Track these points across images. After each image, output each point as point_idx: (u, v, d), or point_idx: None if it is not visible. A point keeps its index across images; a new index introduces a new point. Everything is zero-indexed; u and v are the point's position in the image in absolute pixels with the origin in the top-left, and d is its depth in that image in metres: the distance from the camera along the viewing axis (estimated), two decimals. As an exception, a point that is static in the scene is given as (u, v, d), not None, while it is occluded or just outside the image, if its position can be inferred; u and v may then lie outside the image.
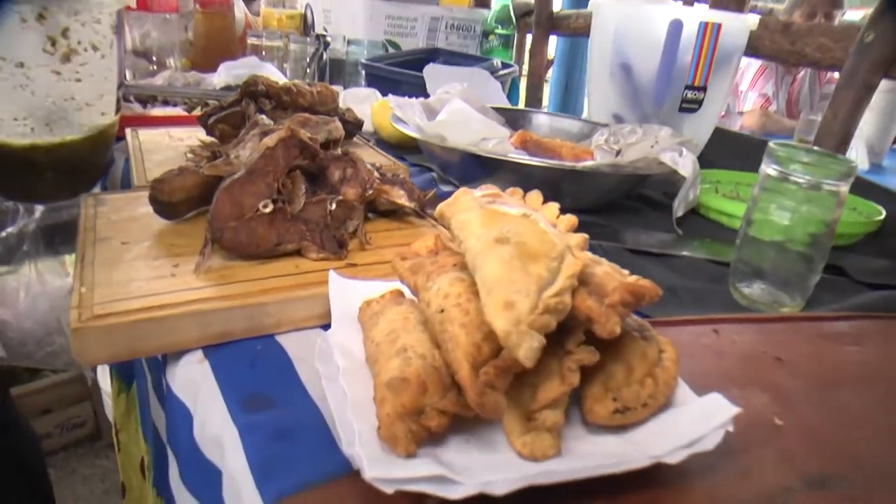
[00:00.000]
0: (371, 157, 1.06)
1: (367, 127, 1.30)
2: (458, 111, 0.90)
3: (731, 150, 1.32)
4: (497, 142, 0.89)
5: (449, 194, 0.96)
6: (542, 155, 0.92)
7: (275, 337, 0.62)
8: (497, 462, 0.44)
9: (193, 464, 0.56)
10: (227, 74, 1.57)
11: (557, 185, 0.90)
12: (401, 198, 0.76)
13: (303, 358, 0.59)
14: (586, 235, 0.48)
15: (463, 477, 0.40)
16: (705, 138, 1.25)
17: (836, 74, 2.60)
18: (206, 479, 0.54)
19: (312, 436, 0.49)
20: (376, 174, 0.77)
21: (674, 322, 0.68)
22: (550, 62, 2.03)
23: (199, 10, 1.72)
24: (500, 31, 1.81)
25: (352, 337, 0.55)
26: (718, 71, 1.16)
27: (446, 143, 0.90)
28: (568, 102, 2.69)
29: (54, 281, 2.14)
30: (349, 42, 1.63)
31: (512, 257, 0.43)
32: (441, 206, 0.52)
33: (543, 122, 1.22)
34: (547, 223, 0.49)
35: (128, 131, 1.13)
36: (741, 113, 3.08)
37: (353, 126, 1.11)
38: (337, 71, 1.65)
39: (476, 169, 0.92)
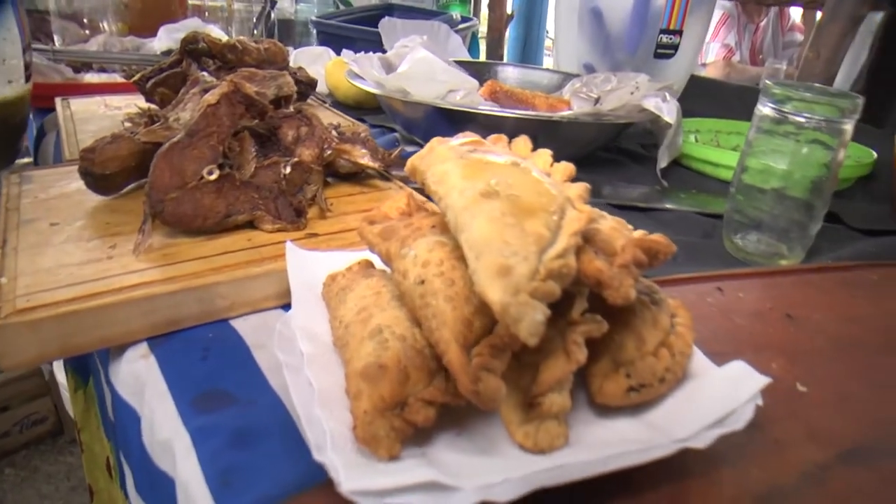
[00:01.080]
0: (327, 118, 0.98)
1: (322, 88, 1.21)
2: (421, 61, 0.82)
3: (707, 97, 1.26)
4: (465, 93, 0.82)
5: (415, 152, 0.90)
6: (515, 106, 0.85)
7: (229, 322, 0.54)
8: (497, 460, 0.37)
9: (145, 472, 0.48)
10: (168, 38, 1.47)
11: (533, 139, 0.83)
12: (363, 157, 0.68)
13: (262, 345, 0.51)
14: (587, 185, 0.41)
15: (459, 481, 0.33)
16: (682, 85, 1.18)
17: (798, 20, 2.55)
18: (159, 489, 0.46)
19: (277, 439, 0.42)
20: (334, 133, 0.69)
21: (674, 281, 0.61)
22: (510, 17, 1.95)
23: (134, -28, 1.62)
24: (456, -18, 1.73)
25: (316, 318, 0.47)
26: (694, 13, 1.09)
27: (410, 97, 0.82)
28: (527, 59, 2.61)
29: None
30: (298, 1, 1.54)
31: (504, 213, 0.36)
32: (412, 160, 0.44)
33: (511, 74, 1.14)
34: (540, 172, 0.41)
35: (58, 101, 1.03)
36: (704, 64, 3.03)
37: (306, 86, 1.02)
38: (286, 31, 1.56)
39: (443, 125, 0.84)
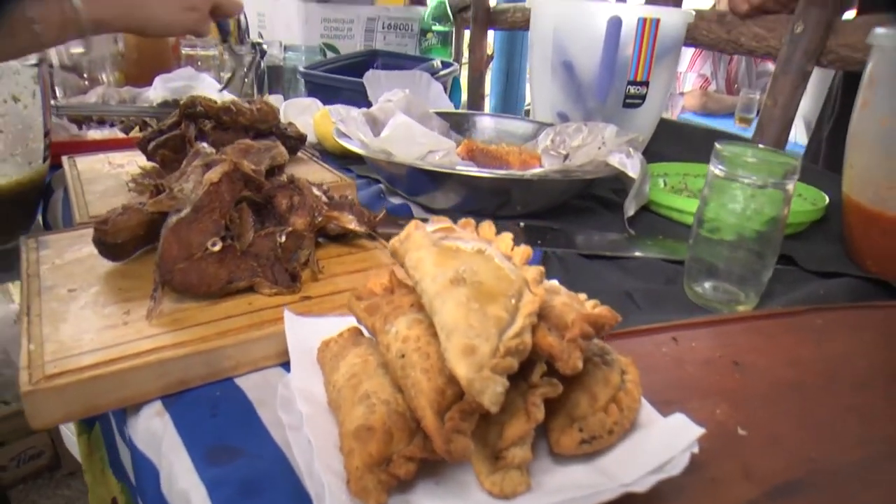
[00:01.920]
0: (316, 172, 1.05)
1: (311, 137, 1.28)
2: (401, 125, 0.89)
3: (675, 140, 1.33)
4: (444, 154, 0.89)
5: (399, 208, 0.97)
6: (490, 164, 0.92)
7: (234, 380, 0.61)
8: (470, 504, 0.44)
9: (164, 519, 0.55)
10: (163, 88, 1.54)
11: (507, 193, 0.90)
12: (350, 223, 0.75)
13: (264, 401, 0.58)
14: (542, 268, 0.48)
15: (437, 523, 0.40)
16: (650, 132, 1.26)
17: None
18: (177, 534, 0.53)
19: (282, 489, 0.48)
20: (324, 198, 0.76)
21: (633, 332, 0.68)
22: (490, 57, 2.03)
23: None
24: (437, 27, 1.80)
25: (313, 380, 0.54)
26: (659, 64, 1.17)
27: (393, 158, 0.89)
28: (510, 91, 2.69)
29: (-1, 309, 2.10)
30: (286, 48, 1.61)
31: (469, 299, 0.43)
32: (393, 243, 0.51)
33: (488, 125, 1.21)
34: (502, 257, 0.48)
35: (64, 160, 1.10)
36: (682, 94, 3.12)
37: (296, 141, 1.09)
38: (275, 78, 1.63)
39: (424, 182, 0.91)
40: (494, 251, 0.48)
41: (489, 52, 2.01)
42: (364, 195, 1.04)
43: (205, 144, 0.81)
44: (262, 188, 0.70)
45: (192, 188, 0.73)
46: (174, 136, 0.98)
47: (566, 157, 0.95)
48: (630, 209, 0.95)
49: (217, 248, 0.65)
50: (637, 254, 0.88)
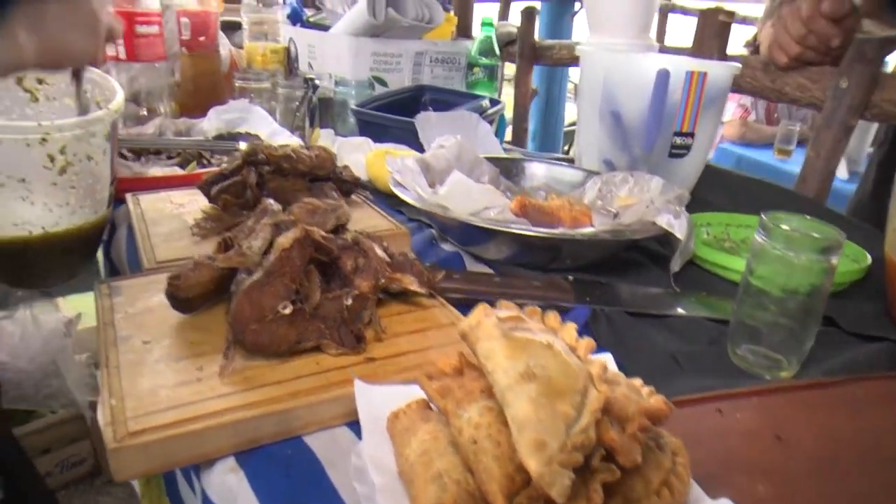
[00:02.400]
0: (371, 218, 1.09)
1: (362, 174, 1.32)
2: (459, 183, 0.93)
3: (717, 187, 1.35)
4: (498, 210, 0.92)
5: (451, 257, 1.00)
6: (542, 220, 0.95)
7: (303, 439, 0.64)
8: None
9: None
10: (217, 119, 1.58)
11: (558, 250, 0.93)
12: (412, 284, 0.79)
13: (333, 462, 0.61)
14: (605, 362, 0.51)
15: None
16: (694, 181, 1.28)
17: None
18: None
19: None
20: (386, 257, 0.80)
21: (680, 403, 0.71)
22: (535, 92, 2.06)
23: (185, 53, 1.73)
24: (483, 61, 1.83)
25: (384, 449, 0.58)
26: (705, 115, 1.19)
27: (449, 213, 0.93)
28: (548, 126, 2.72)
29: (48, 323, 2.16)
30: (337, 82, 1.65)
31: (539, 395, 0.46)
32: (463, 327, 0.54)
33: (536, 171, 1.24)
34: (568, 350, 0.51)
35: (128, 197, 1.14)
36: (722, 123, 3.13)
37: (350, 185, 1.13)
38: (326, 110, 1.66)
39: (478, 235, 0.94)
40: (561, 344, 0.52)
41: (533, 87, 2.05)
42: (416, 240, 1.07)
43: (272, 201, 0.85)
44: (332, 254, 0.73)
45: (261, 245, 0.77)
46: (236, 182, 1.02)
47: (616, 215, 0.98)
48: (675, 266, 0.97)
49: (288, 310, 0.68)
50: (681, 312, 0.91)
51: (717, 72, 1.18)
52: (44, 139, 0.87)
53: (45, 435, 2.24)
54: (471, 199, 0.92)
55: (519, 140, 2.03)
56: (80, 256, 1.03)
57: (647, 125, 1.19)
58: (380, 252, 0.80)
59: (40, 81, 1.05)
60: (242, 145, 1.43)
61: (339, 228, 0.82)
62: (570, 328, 0.55)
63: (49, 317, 2.19)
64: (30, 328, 2.12)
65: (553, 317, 0.56)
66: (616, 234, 0.92)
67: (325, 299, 0.72)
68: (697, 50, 1.59)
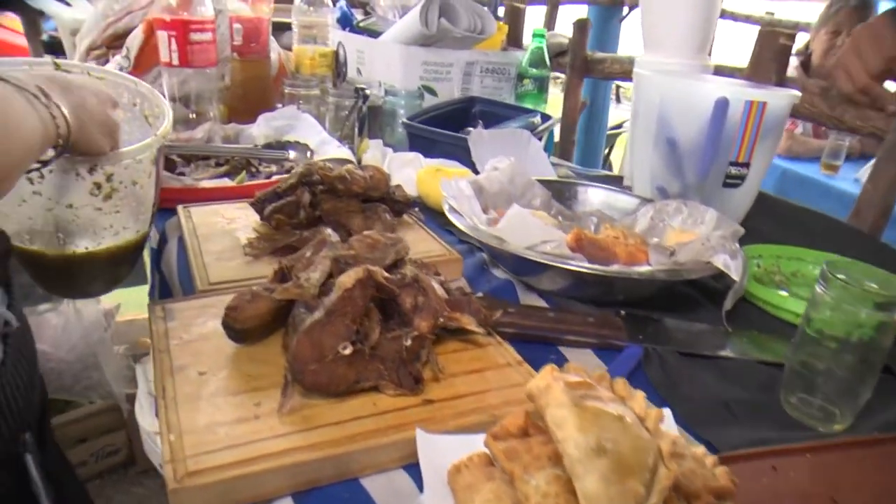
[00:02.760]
0: (424, 241, 1.09)
1: (412, 190, 1.31)
2: (516, 216, 0.92)
3: (769, 217, 1.33)
4: (555, 245, 0.92)
5: (503, 286, 1.00)
6: (597, 255, 0.94)
7: (360, 481, 0.65)
8: None
9: None
10: (266, 126, 1.59)
11: (612, 285, 0.93)
12: (470, 324, 0.78)
13: (390, 505, 0.62)
14: (675, 438, 0.50)
15: None
16: (746, 210, 1.26)
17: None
18: None
19: None
20: (443, 293, 0.79)
21: (734, 458, 0.70)
22: (584, 104, 2.04)
23: (236, 58, 1.74)
24: (533, 72, 1.81)
25: (446, 502, 0.58)
26: (762, 145, 1.18)
27: (505, 246, 0.92)
28: (590, 139, 2.69)
29: (90, 315, 2.18)
30: (386, 91, 1.65)
31: (610, 471, 0.46)
32: (531, 388, 0.54)
33: (589, 196, 1.23)
34: (637, 422, 0.51)
35: (180, 210, 1.15)
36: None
37: (403, 205, 1.13)
38: (375, 118, 1.66)
39: (532, 266, 0.94)
40: (631, 415, 0.51)
41: (583, 100, 2.03)
42: (468, 264, 1.07)
43: (330, 231, 0.85)
44: (394, 295, 0.73)
45: (319, 278, 0.77)
46: (290, 202, 1.02)
47: (672, 252, 0.97)
48: (728, 304, 0.96)
49: (348, 351, 0.68)
50: (733, 354, 0.90)
51: (777, 101, 1.16)
52: (92, 169, 0.88)
53: (81, 424, 2.27)
54: (528, 232, 0.92)
55: (566, 153, 2.01)
56: (121, 269, 1.04)
57: (703, 153, 1.18)
58: (438, 288, 0.79)
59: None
60: (291, 154, 1.44)
61: (398, 262, 0.82)
62: (640, 397, 0.54)
63: (90, 308, 2.21)
64: (72, 320, 2.15)
65: (622, 384, 0.56)
66: (672, 273, 0.92)
67: (384, 339, 0.72)
68: (753, 72, 1.56)
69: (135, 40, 1.65)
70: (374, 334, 0.72)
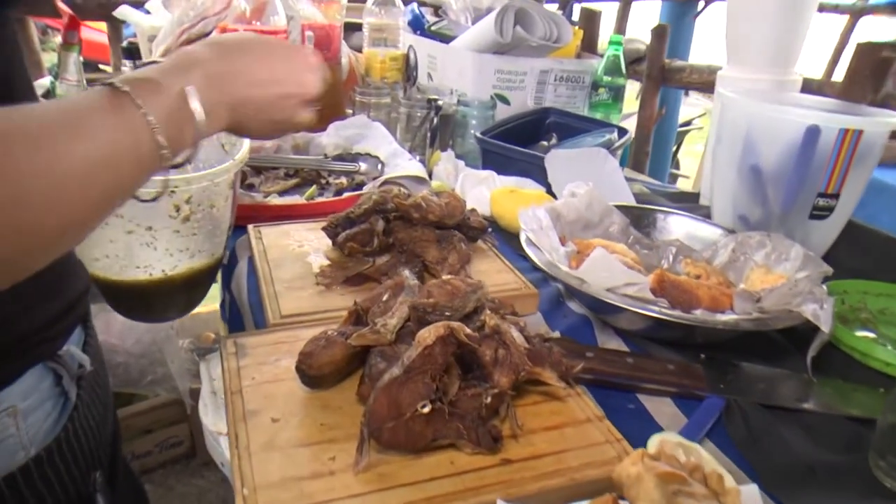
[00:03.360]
0: (499, 272, 1.06)
1: (484, 209, 1.29)
2: (600, 259, 0.89)
3: (856, 247, 1.27)
4: (638, 289, 0.88)
5: (580, 323, 0.97)
6: (680, 298, 0.90)
7: (435, 545, 0.63)
8: None
9: None
10: (336, 135, 1.58)
11: (693, 330, 0.89)
12: (551, 378, 0.75)
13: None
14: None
15: None
16: (831, 242, 1.21)
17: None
18: None
19: None
20: (523, 342, 0.77)
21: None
22: (660, 114, 1.98)
23: (308, 64, 1.72)
24: (608, 80, 1.77)
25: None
26: (853, 175, 1.12)
27: (586, 287, 0.89)
28: (658, 150, 2.61)
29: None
30: (459, 101, 1.61)
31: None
32: (622, 477, 0.51)
33: (670, 225, 1.19)
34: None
35: (250, 231, 1.14)
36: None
37: (477, 232, 1.11)
38: (445, 126, 1.63)
39: (611, 308, 0.91)
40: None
41: (660, 110, 1.97)
42: (543, 296, 1.04)
43: (408, 273, 0.83)
44: (476, 353, 0.71)
45: (396, 324, 0.75)
46: (363, 230, 1.01)
47: (758, 299, 0.92)
48: (813, 352, 0.92)
49: (426, 409, 0.66)
50: (818, 408, 0.86)
51: (874, 128, 1.10)
52: (173, 191, 0.89)
53: (147, 416, 2.34)
54: (611, 275, 0.89)
55: (639, 163, 1.96)
56: (197, 292, 1.04)
57: (789, 183, 1.13)
58: (518, 337, 0.77)
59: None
60: (362, 166, 1.43)
61: (477, 309, 0.79)
62: (734, 494, 0.51)
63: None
64: (140, 318, 2.19)
65: (717, 478, 0.53)
66: (758, 323, 0.88)
67: (463, 395, 0.70)
68: (847, 89, 1.49)
69: (208, 46, 1.65)
70: (452, 389, 0.69)
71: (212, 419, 2.01)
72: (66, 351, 0.77)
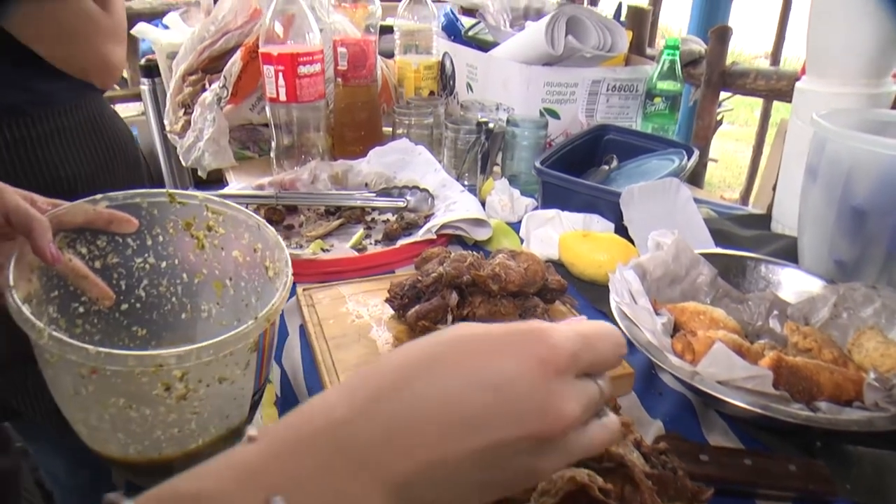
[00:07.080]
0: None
1: (552, 251, 1.18)
2: (720, 354, 0.77)
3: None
4: (756, 383, 0.77)
5: (679, 404, 0.86)
6: (800, 387, 0.79)
7: None
8: None
9: None
10: (377, 162, 1.46)
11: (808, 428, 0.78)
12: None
13: None
14: None
15: None
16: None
17: None
18: None
19: None
20: (644, 466, 0.66)
21: None
22: (719, 123, 1.84)
23: (340, 84, 1.59)
24: (663, 86, 1.63)
25: None
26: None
27: (699, 382, 0.78)
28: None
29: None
30: (509, 121, 1.48)
31: None
32: None
33: (760, 276, 1.07)
34: None
35: (299, 292, 1.03)
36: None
37: (556, 293, 0.99)
38: (494, 145, 1.50)
39: (728, 404, 0.79)
40: None
41: (718, 117, 1.83)
42: (635, 369, 0.93)
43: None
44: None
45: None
46: (436, 307, 0.89)
47: (891, 387, 0.81)
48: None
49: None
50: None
51: None
52: (156, 370, 0.64)
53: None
54: (731, 371, 0.77)
55: (696, 176, 1.83)
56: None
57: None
58: (639, 460, 0.66)
59: (210, 228, 0.85)
60: (410, 201, 1.31)
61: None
62: None
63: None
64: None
65: None
66: (893, 420, 0.76)
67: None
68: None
69: (233, 67, 1.53)
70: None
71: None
72: None
